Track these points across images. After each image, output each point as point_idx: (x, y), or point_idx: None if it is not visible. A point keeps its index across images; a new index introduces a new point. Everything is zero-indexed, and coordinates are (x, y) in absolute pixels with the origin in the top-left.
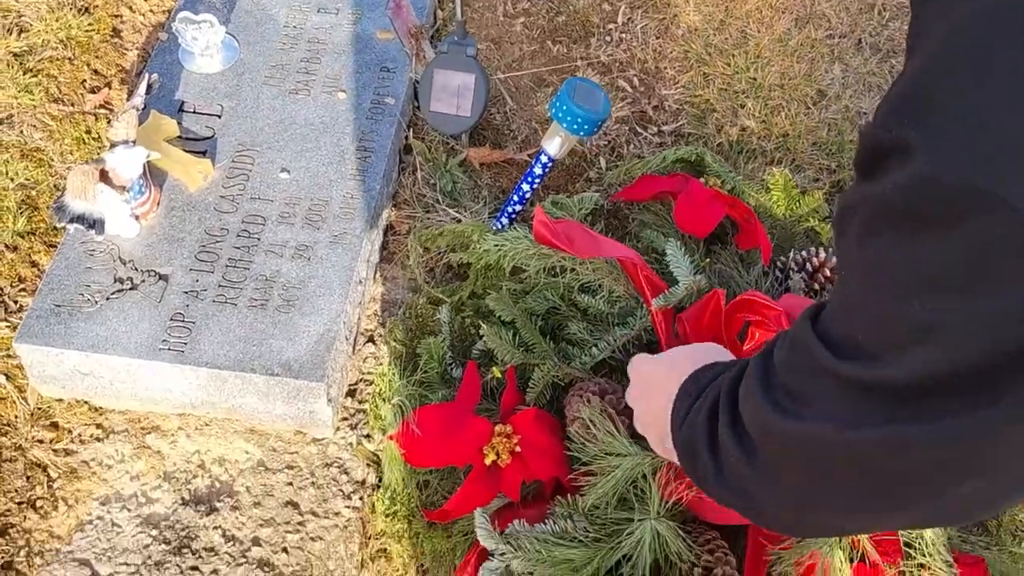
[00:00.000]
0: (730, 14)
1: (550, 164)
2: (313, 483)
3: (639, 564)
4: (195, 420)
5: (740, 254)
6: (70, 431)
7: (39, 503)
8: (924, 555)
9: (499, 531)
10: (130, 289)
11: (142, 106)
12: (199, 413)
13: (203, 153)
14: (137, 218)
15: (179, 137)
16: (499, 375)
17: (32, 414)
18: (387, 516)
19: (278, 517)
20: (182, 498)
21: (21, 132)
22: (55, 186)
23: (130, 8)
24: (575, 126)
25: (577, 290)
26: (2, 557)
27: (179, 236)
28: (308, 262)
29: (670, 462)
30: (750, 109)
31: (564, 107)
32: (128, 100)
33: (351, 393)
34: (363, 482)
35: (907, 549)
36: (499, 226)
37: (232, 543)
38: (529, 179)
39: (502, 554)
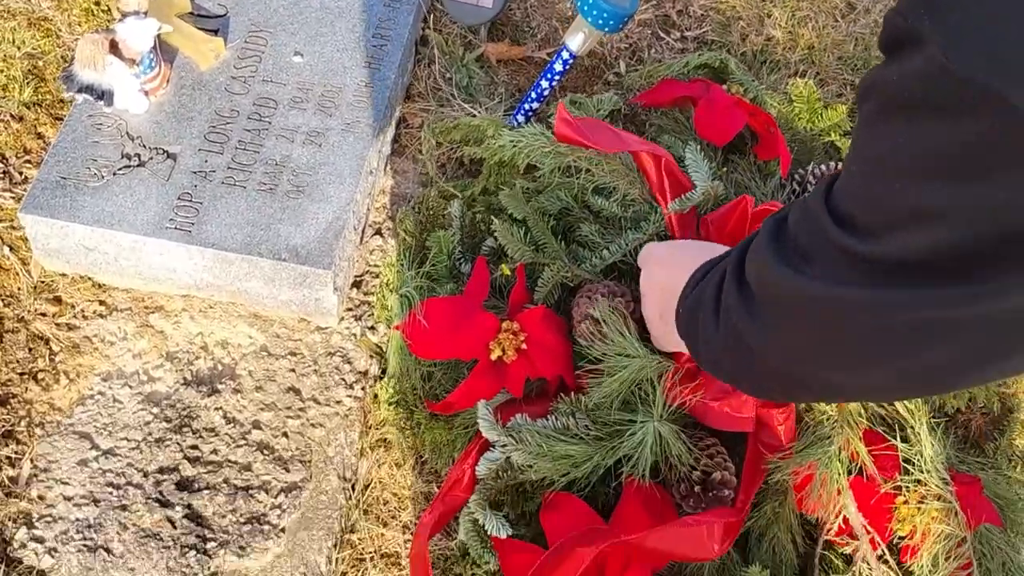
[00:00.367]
0: None
1: (571, 61)
2: (315, 371)
3: (639, 464)
4: (199, 302)
5: (758, 165)
6: (73, 306)
7: (40, 375)
8: (922, 471)
9: (501, 424)
10: (137, 166)
11: None
12: (203, 295)
13: (215, 32)
14: (146, 94)
15: (191, 14)
16: (508, 272)
17: (35, 287)
18: (390, 404)
19: (279, 402)
20: (184, 378)
21: (28, 0)
22: (62, 57)
23: None
24: (600, 21)
25: (591, 191)
26: (3, 426)
27: (189, 115)
28: (319, 149)
29: (675, 367)
30: (776, 19)
31: (590, 0)
32: None
33: (357, 284)
34: (365, 373)
35: (905, 465)
36: (515, 123)
37: (232, 425)
38: (548, 76)
39: (503, 446)
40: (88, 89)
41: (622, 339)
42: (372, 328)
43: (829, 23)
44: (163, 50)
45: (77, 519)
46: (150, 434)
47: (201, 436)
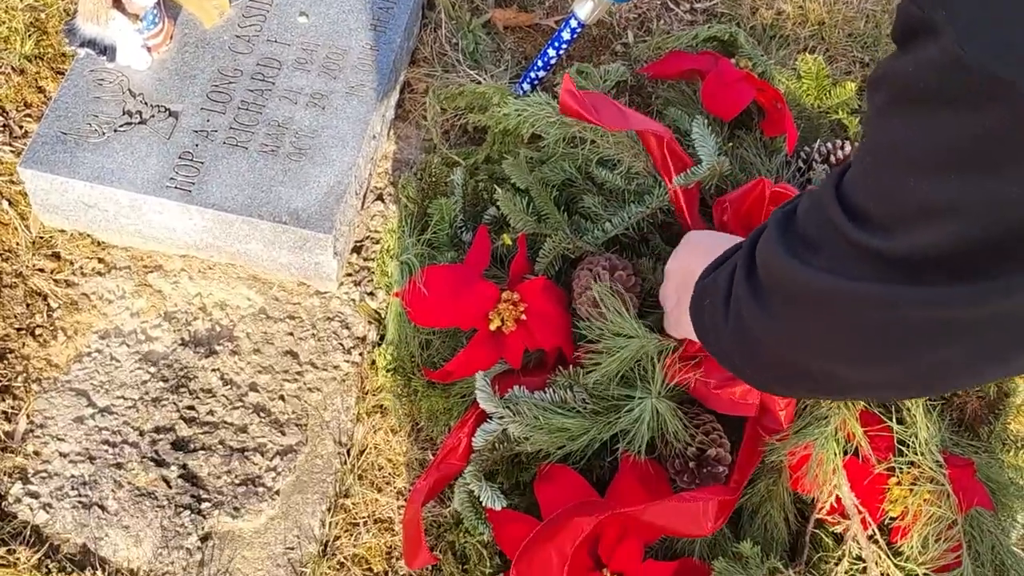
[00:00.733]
0: None
1: (579, 29)
2: (314, 335)
3: (635, 440)
4: (198, 263)
5: (764, 141)
6: (71, 263)
7: (38, 331)
8: (916, 453)
9: (499, 396)
10: (139, 123)
11: None
12: (203, 256)
13: None
14: (149, 50)
15: None
16: (509, 242)
17: (34, 242)
18: (387, 371)
19: (277, 365)
20: (182, 339)
21: None
22: (65, 10)
23: None
24: None
25: (595, 163)
26: (0, 381)
27: (191, 73)
28: (322, 111)
29: (676, 348)
30: None
31: None
32: None
33: (357, 249)
34: (363, 338)
35: (900, 446)
36: (521, 91)
37: (230, 387)
38: (556, 44)
39: (500, 417)
40: (90, 44)
41: (620, 319)
42: (371, 294)
43: None
44: (167, 6)
45: (72, 476)
46: (147, 393)
47: (198, 397)
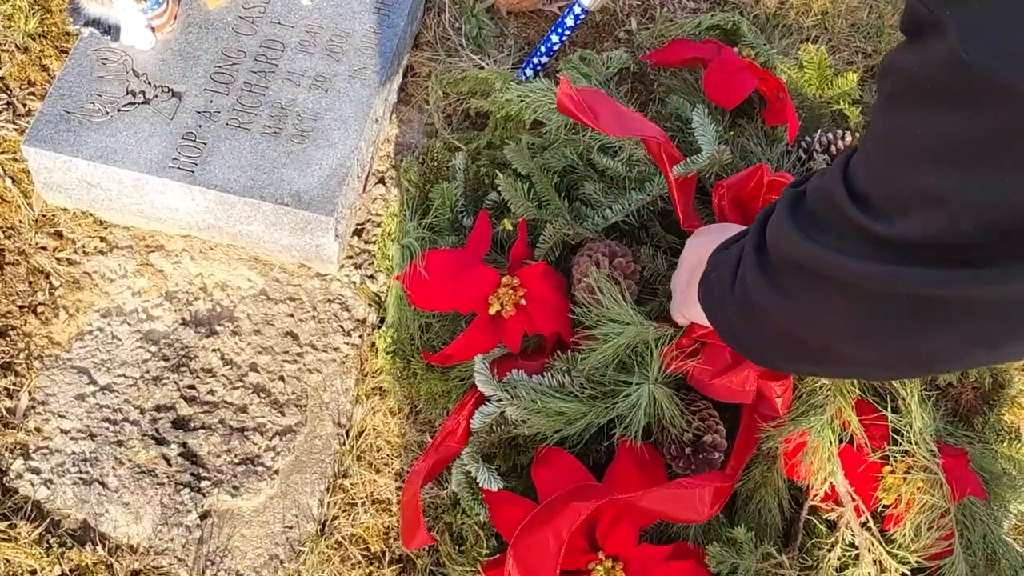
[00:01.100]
0: None
1: (582, 16)
2: (314, 317)
3: (632, 426)
4: (200, 243)
5: (765, 130)
6: (74, 241)
7: (40, 309)
8: (910, 442)
9: (497, 379)
10: (142, 103)
11: None
12: (204, 237)
13: None
14: (153, 30)
15: None
16: (510, 227)
17: (36, 220)
18: (387, 353)
19: (277, 346)
20: (183, 318)
21: None
22: None
23: None
24: None
25: (597, 150)
26: (2, 357)
27: (195, 54)
28: (325, 94)
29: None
30: None
31: None
32: None
33: (358, 232)
34: (363, 321)
35: (894, 435)
36: (523, 77)
37: (230, 367)
38: (559, 30)
39: (498, 400)
40: (95, 23)
41: (616, 307)
42: (372, 277)
43: None
44: None
45: (73, 452)
46: (148, 372)
47: (198, 376)
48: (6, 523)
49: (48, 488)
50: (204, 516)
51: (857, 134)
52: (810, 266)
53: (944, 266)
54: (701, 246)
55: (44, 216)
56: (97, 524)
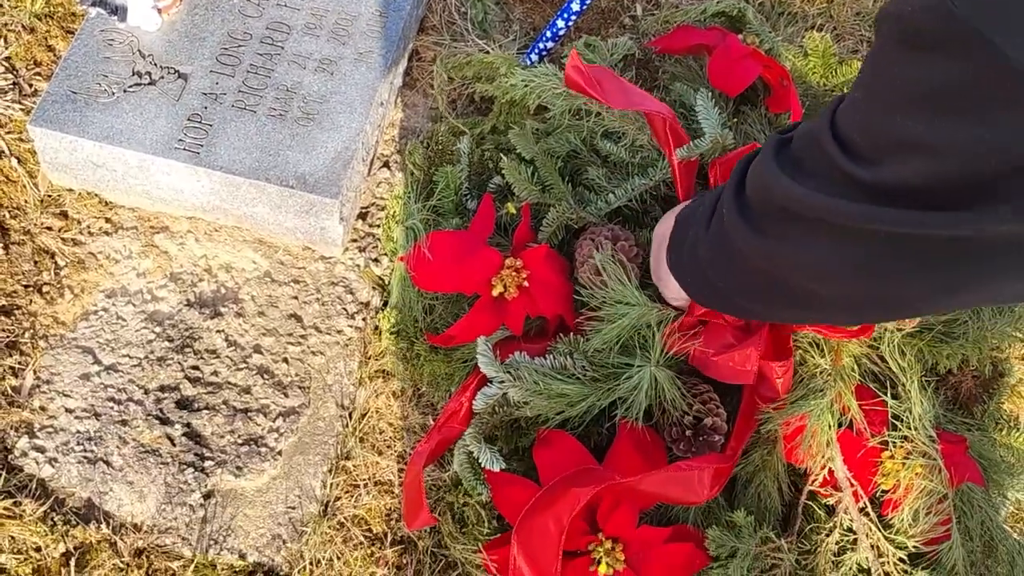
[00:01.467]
0: None
1: (588, 2)
2: (318, 299)
3: (633, 408)
4: (205, 225)
5: (769, 117)
6: (79, 222)
7: (45, 288)
8: (909, 428)
9: (500, 361)
10: (148, 84)
11: None
12: (209, 218)
13: None
14: (159, 11)
15: None
16: (513, 211)
17: (42, 200)
18: (391, 335)
19: (281, 328)
20: (187, 300)
21: None
22: None
23: None
24: None
25: (600, 135)
26: (7, 336)
27: (201, 35)
28: (331, 77)
29: (673, 319)
30: None
31: None
32: None
33: (362, 216)
34: (367, 304)
35: (894, 421)
36: (528, 62)
37: (234, 348)
38: (565, 15)
39: (501, 382)
40: (101, 3)
41: (621, 287)
42: (376, 260)
43: None
44: None
45: (78, 431)
46: (152, 352)
47: (202, 357)
48: (11, 501)
49: (53, 466)
50: (208, 496)
51: None
52: (795, 208)
53: (924, 208)
54: (666, 220)
55: (50, 196)
56: (101, 503)
